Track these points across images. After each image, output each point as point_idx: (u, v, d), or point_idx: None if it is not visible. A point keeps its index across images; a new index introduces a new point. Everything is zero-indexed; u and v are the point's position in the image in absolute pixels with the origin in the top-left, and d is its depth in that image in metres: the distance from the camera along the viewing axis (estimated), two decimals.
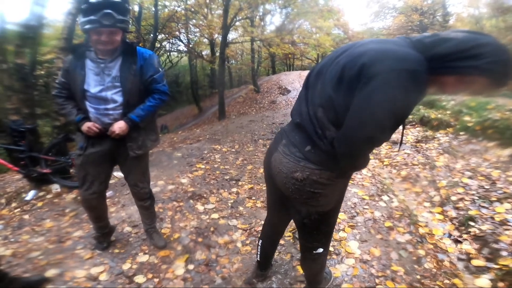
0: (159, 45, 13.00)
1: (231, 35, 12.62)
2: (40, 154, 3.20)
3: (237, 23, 10.77)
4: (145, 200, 1.97)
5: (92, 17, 1.37)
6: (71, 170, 3.47)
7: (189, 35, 14.28)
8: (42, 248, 2.22)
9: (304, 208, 1.14)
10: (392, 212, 2.49)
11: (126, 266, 1.95)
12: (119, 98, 1.59)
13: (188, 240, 2.16)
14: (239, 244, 2.08)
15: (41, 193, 3.33)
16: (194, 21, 12.85)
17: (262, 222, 2.20)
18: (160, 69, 1.68)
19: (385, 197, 2.73)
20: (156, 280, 1.82)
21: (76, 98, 1.64)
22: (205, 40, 14.88)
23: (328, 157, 1.00)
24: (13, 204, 3.23)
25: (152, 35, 9.94)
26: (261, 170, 3.38)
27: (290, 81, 14.73)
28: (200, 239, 2.17)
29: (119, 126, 1.58)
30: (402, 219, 2.39)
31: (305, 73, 15.00)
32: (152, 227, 2.11)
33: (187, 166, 3.69)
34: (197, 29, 13.50)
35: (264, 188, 2.85)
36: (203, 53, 16.09)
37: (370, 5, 20.72)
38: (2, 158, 3.32)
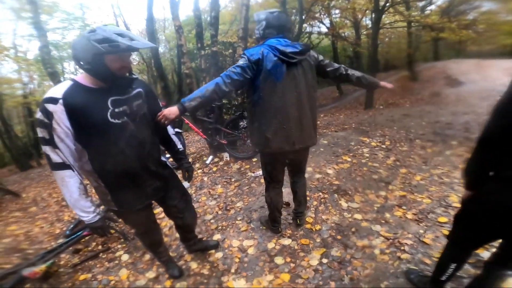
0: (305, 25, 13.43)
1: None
2: (222, 127, 4.16)
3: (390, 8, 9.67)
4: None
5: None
6: (237, 143, 4.37)
7: (332, 18, 14.00)
8: (214, 212, 2.96)
9: None
10: None
11: (270, 245, 2.26)
12: None
13: (328, 235, 2.30)
14: (376, 251, 2.07)
15: (216, 159, 4.39)
16: (336, 1, 12.49)
17: (410, 236, 2.16)
18: None
19: None
20: (292, 265, 2.06)
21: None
22: (347, 22, 14.31)
23: None
24: (197, 165, 4.43)
25: (297, 17, 10.30)
26: (418, 178, 3.16)
27: (463, 71, 11.91)
28: (339, 237, 2.27)
29: (170, 111, 1.63)
30: None
31: (487, 62, 11.91)
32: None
33: (333, 156, 3.87)
34: (337, 10, 13.09)
35: (419, 199, 2.69)
36: (346, 33, 15.43)
37: None
38: (196, 125, 4.52)
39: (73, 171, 1.31)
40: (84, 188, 1.37)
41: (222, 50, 5.00)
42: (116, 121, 1.36)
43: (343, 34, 14.73)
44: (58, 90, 1.24)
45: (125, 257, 2.48)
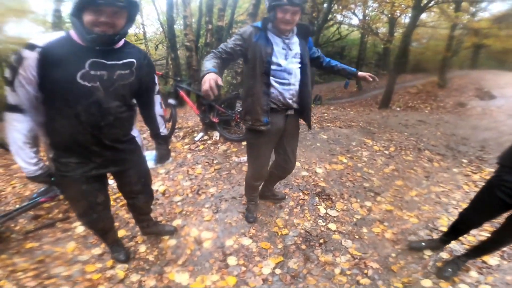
0: (331, 16, 12.74)
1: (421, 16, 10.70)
2: (216, 104, 3.95)
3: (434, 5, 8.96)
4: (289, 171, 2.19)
5: None
6: (232, 124, 4.17)
7: (366, 10, 13.25)
8: (184, 194, 2.80)
9: None
10: None
11: (228, 243, 2.12)
12: (298, 73, 1.77)
13: (292, 242, 2.14)
14: (337, 270, 1.90)
15: (205, 137, 4.21)
16: None
17: (379, 258, 1.99)
18: None
19: None
20: (243, 268, 1.91)
21: (256, 71, 1.69)
22: (383, 17, 13.51)
23: None
24: (186, 140, 4.27)
25: (325, 5, 9.76)
26: (413, 193, 2.91)
27: (499, 84, 10.99)
28: (303, 246, 2.11)
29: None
30: None
31: None
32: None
33: (328, 154, 3.64)
34: (376, 5, 12.27)
35: (406, 217, 2.48)
36: (378, 30, 14.66)
37: None
38: (191, 100, 4.33)
39: (25, 116, 1.27)
40: (32, 137, 1.31)
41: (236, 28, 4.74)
42: (85, 83, 1.27)
43: (375, 29, 14.02)
44: (42, 39, 1.21)
45: (79, 229, 2.36)
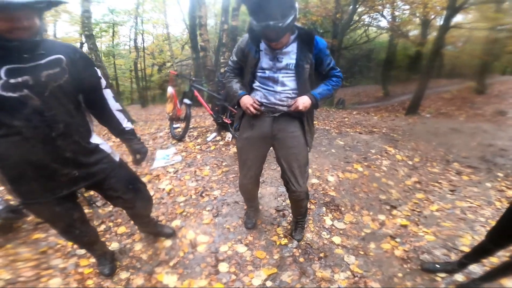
0: (357, 18, 12.33)
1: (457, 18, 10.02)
2: (229, 105, 3.92)
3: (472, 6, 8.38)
4: (302, 200, 1.93)
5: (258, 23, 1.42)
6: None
7: (395, 12, 12.67)
8: (188, 195, 2.78)
9: None
10: None
11: (223, 248, 2.06)
12: (291, 83, 1.64)
13: (289, 254, 2.03)
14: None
15: (218, 138, 4.19)
16: None
17: (382, 278, 1.83)
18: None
19: None
20: (233, 277, 1.84)
21: (246, 78, 1.74)
22: (415, 20, 12.85)
23: None
24: (199, 140, 4.28)
25: (351, 6, 9.45)
26: (434, 207, 2.68)
27: None
28: (301, 259, 1.98)
29: (303, 102, 1.60)
30: None
31: None
32: (300, 219, 2.14)
33: (343, 162, 3.47)
34: (407, 6, 11.68)
35: (421, 233, 2.29)
36: (410, 32, 13.97)
37: None
38: (205, 100, 4.34)
39: None
40: None
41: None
42: (10, 94, 1.12)
43: (406, 32, 13.42)
44: None
45: None
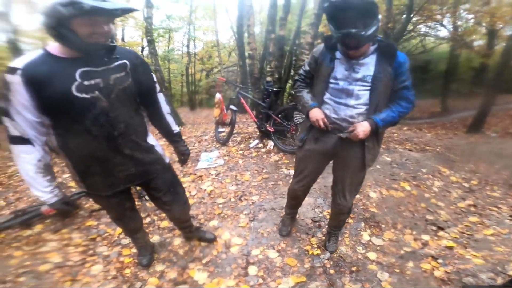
0: (412, 27, 11.60)
1: None
2: (273, 114, 4.01)
3: None
4: (343, 214, 1.96)
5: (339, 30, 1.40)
6: (287, 135, 4.16)
7: (456, 21, 11.67)
8: (227, 198, 2.89)
9: None
10: None
11: (255, 252, 2.10)
12: (365, 96, 1.56)
13: (321, 264, 2.00)
14: None
15: (260, 145, 4.29)
16: (467, 5, 10.20)
17: None
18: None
19: None
20: (260, 281, 1.87)
21: (316, 88, 1.70)
22: (481, 29, 11.70)
23: None
24: (241, 145, 4.42)
25: (404, 15, 8.93)
26: (488, 232, 2.44)
27: None
28: (332, 271, 1.95)
29: (363, 130, 1.51)
30: None
31: None
32: (336, 231, 2.14)
33: (388, 179, 3.32)
34: (471, 16, 10.70)
35: (469, 256, 2.11)
36: (474, 43, 12.75)
37: None
38: (250, 107, 4.48)
39: (33, 145, 1.25)
40: (43, 165, 1.30)
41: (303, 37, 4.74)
42: (84, 95, 1.22)
43: (470, 42, 12.35)
44: (21, 60, 1.17)
45: None
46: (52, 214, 2.57)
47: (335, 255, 2.09)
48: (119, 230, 2.43)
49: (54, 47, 1.21)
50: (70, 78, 1.19)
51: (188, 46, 15.17)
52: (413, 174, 3.54)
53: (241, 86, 4.65)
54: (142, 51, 13.17)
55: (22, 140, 1.22)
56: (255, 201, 2.81)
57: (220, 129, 4.70)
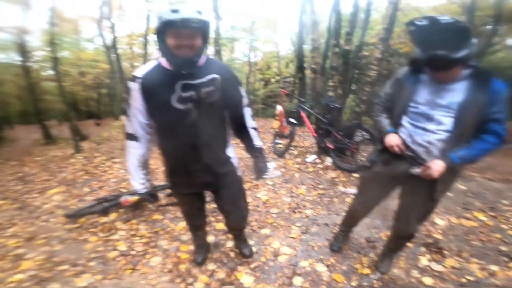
0: (499, 39, 10.14)
1: None
2: (334, 131, 3.99)
3: None
4: (403, 239, 1.90)
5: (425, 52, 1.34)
6: (347, 153, 4.07)
7: None
8: (281, 208, 2.95)
9: None
10: None
11: (303, 264, 2.12)
12: (447, 122, 1.44)
13: (368, 284, 1.95)
14: None
15: (317, 160, 4.27)
16: None
17: None
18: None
19: None
20: None
21: (394, 111, 1.64)
22: None
23: None
24: (298, 159, 4.45)
25: (490, 26, 7.86)
26: None
27: None
28: None
29: (438, 169, 1.41)
30: None
31: None
32: (391, 253, 2.06)
33: (460, 208, 2.99)
34: None
35: None
36: None
37: None
38: (310, 122, 4.52)
39: (140, 143, 1.48)
40: (143, 161, 1.55)
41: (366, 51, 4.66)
42: (180, 106, 1.37)
43: None
44: (142, 70, 1.37)
45: None
46: (128, 205, 2.94)
47: (385, 276, 2.00)
48: (180, 226, 2.68)
49: (163, 59, 1.37)
50: (171, 90, 1.34)
51: (249, 55, 15.80)
52: (491, 205, 3.15)
53: (302, 99, 4.72)
54: None
55: (133, 137, 1.47)
56: (309, 214, 2.82)
57: (277, 141, 4.81)
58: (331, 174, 3.82)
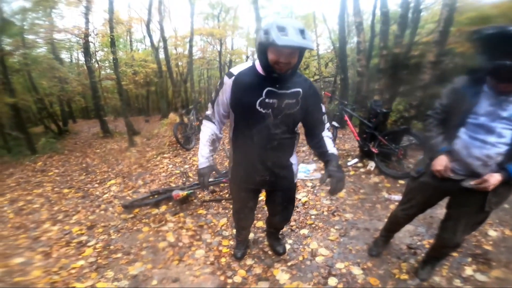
0: None
1: None
2: (379, 135, 3.91)
3: None
4: (448, 248, 1.87)
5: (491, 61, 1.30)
6: (392, 159, 3.95)
7: None
8: (320, 210, 3.00)
9: None
10: None
11: (339, 265, 2.17)
12: (508, 135, 1.41)
13: None
14: None
15: (359, 164, 4.20)
16: None
17: None
18: None
19: None
20: None
21: (450, 123, 1.59)
22: None
23: None
24: (339, 162, 4.38)
25: None
26: None
27: None
28: None
29: (494, 183, 1.40)
30: None
31: None
32: (434, 261, 2.03)
33: None
34: None
35: None
36: None
37: None
38: (353, 125, 4.46)
39: (214, 124, 1.64)
40: (213, 140, 1.66)
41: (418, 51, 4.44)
42: (261, 109, 1.48)
43: None
44: (238, 68, 1.52)
45: None
46: (178, 199, 3.21)
47: (425, 283, 1.97)
48: (222, 222, 2.86)
49: (259, 63, 1.48)
50: (259, 93, 1.46)
51: None
52: None
53: (345, 103, 4.67)
54: (247, 59, 14.57)
55: (209, 118, 1.65)
56: (348, 218, 2.84)
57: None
58: (374, 179, 3.75)
